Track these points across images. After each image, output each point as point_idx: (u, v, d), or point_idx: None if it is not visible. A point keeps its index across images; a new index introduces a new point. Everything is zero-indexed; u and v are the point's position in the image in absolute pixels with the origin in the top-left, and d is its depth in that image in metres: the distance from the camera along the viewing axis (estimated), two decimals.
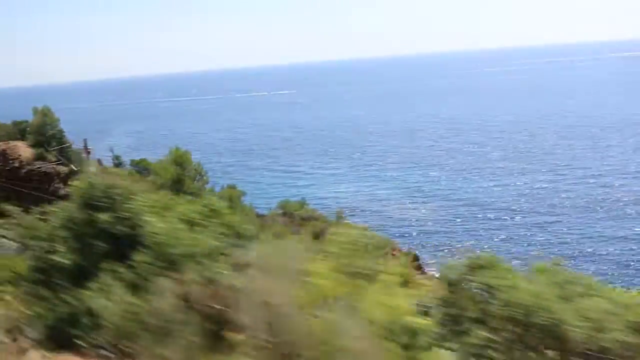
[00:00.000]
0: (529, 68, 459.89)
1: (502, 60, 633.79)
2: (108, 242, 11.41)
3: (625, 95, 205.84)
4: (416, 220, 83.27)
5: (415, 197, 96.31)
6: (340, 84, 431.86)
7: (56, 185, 44.58)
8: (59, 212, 12.25)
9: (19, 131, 53.47)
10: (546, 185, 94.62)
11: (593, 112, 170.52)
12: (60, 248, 11.61)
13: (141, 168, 46.38)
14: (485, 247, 68.73)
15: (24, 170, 46.48)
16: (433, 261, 66.39)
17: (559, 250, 64.90)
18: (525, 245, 69.90)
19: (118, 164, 49.09)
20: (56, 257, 11.34)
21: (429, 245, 73.14)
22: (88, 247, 11.37)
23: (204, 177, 40.17)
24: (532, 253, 63.48)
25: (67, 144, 47.38)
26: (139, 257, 10.57)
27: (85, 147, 38.31)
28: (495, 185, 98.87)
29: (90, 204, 11.68)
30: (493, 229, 77.33)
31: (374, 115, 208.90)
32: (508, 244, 70.75)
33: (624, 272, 60.50)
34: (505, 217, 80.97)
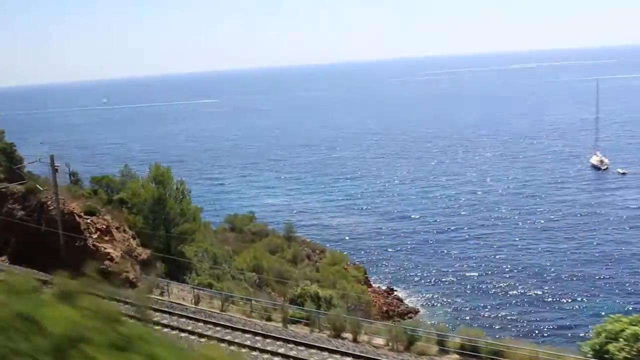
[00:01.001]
0: (435, 78, 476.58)
1: (416, 69, 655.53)
2: None
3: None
4: (351, 232, 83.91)
5: (344, 206, 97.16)
6: (261, 92, 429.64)
7: (10, 206, 39.41)
8: None
9: None
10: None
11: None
12: None
13: (104, 185, 41.74)
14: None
15: None
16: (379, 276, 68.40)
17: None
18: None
19: (75, 181, 44.10)
20: None
21: (371, 257, 73.88)
22: None
23: (187, 197, 36.18)
24: None
25: (19, 161, 42.23)
26: None
27: (52, 163, 33.71)
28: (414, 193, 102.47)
29: None
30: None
31: (293, 125, 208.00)
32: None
33: None
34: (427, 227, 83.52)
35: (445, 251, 74.10)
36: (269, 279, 38.53)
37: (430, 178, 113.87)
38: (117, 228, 35.36)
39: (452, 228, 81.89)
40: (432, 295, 62.23)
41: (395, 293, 63.46)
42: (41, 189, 35.91)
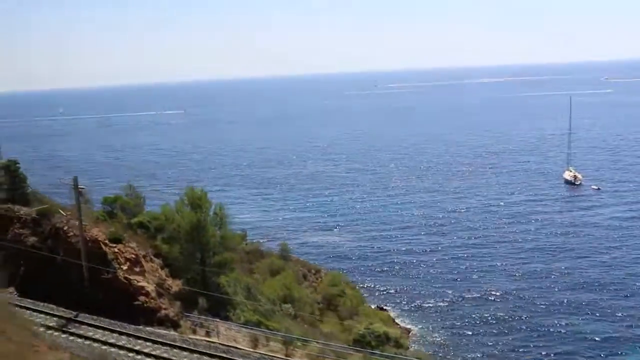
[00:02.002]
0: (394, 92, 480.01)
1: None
2: None
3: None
4: (335, 246, 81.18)
5: (317, 222, 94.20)
6: (227, 104, 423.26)
7: (17, 231, 34.47)
8: None
9: None
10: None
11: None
12: None
13: (117, 208, 36.79)
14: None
15: None
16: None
17: None
18: None
19: (83, 201, 39.00)
20: None
21: (362, 271, 71.76)
22: None
23: (226, 223, 31.76)
24: None
25: (22, 180, 37.26)
26: None
27: (76, 185, 29.28)
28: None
29: None
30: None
31: (260, 138, 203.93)
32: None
33: None
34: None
35: (420, 270, 71.94)
36: (302, 312, 34.75)
37: (401, 192, 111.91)
38: (143, 257, 31.09)
39: (427, 247, 79.38)
40: (420, 314, 59.97)
41: (386, 312, 60.83)
42: (63, 213, 31.26)
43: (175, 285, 31.39)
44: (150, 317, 27.93)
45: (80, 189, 29.50)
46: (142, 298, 28.35)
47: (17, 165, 37.14)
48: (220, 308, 29.89)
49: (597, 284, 63.79)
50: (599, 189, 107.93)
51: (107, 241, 30.80)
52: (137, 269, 29.73)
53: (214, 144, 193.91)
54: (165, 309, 28.28)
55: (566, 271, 67.93)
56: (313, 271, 67.57)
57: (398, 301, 63.87)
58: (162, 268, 32.47)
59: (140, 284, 28.69)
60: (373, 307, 60.47)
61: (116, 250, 30.18)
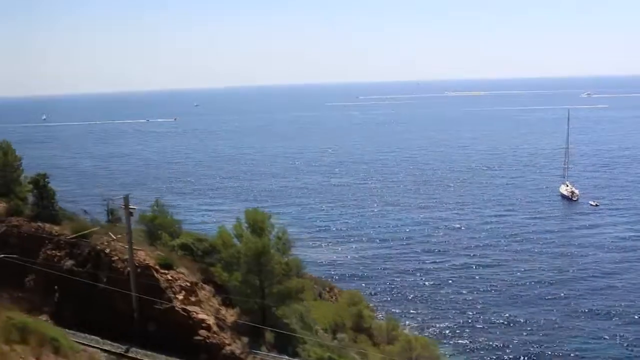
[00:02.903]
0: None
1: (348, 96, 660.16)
2: None
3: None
4: (338, 261, 77.75)
5: (319, 233, 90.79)
6: (224, 112, 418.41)
7: (50, 252, 30.75)
8: None
9: None
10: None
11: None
12: None
13: (156, 227, 32.79)
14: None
15: None
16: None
17: None
18: None
19: (115, 219, 34.96)
20: None
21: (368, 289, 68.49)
22: None
23: (288, 247, 28.11)
24: None
25: (51, 195, 33.50)
26: None
27: (127, 204, 25.78)
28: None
29: None
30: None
31: (252, 148, 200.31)
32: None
33: None
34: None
35: (423, 284, 69.50)
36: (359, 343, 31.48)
37: (390, 207, 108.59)
38: (195, 284, 27.66)
39: (416, 266, 76.22)
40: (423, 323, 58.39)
41: (425, 337, 57.69)
42: (113, 237, 27.66)
43: (229, 315, 27.98)
44: (213, 354, 24.52)
45: (130, 209, 25.96)
46: (203, 332, 24.91)
47: (47, 179, 33.42)
48: (284, 342, 26.53)
49: (603, 310, 60.68)
50: (597, 205, 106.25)
51: (157, 266, 27.29)
52: (193, 299, 26.28)
53: (203, 154, 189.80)
54: (229, 344, 24.87)
55: (572, 294, 64.99)
56: (327, 288, 64.18)
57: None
58: (213, 296, 29.04)
59: (199, 316, 25.25)
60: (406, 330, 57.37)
61: (169, 277, 26.69)
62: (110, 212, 35.12)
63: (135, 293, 26.14)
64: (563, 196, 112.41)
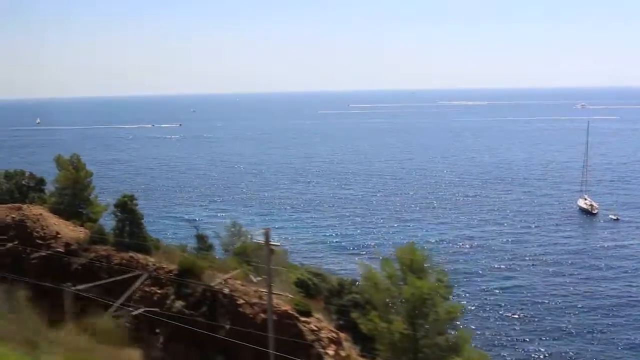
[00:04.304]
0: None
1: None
2: None
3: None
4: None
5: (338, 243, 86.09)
6: (234, 119, 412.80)
7: (148, 289, 25.34)
8: None
9: (17, 188, 32.63)
10: None
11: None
12: None
13: (248, 257, 27.46)
14: None
15: (78, 260, 26.36)
16: None
17: None
18: None
19: (206, 247, 29.26)
20: None
21: None
22: None
23: (449, 292, 22.78)
24: None
25: (139, 220, 28.11)
26: None
27: (267, 239, 20.64)
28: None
29: None
30: None
31: (260, 155, 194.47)
32: None
33: None
34: None
35: None
36: None
37: (405, 219, 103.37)
38: (338, 334, 22.53)
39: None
40: None
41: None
42: (225, 276, 22.33)
43: None
44: None
45: (272, 246, 20.80)
46: None
47: (135, 201, 28.02)
48: None
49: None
50: (618, 219, 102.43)
51: (295, 313, 22.11)
52: (343, 354, 21.15)
53: (210, 161, 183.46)
54: None
55: (607, 322, 59.45)
56: None
57: None
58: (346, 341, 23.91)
59: None
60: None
61: (313, 327, 21.52)
62: (199, 238, 29.82)
63: (273, 350, 20.89)
64: (582, 210, 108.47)
